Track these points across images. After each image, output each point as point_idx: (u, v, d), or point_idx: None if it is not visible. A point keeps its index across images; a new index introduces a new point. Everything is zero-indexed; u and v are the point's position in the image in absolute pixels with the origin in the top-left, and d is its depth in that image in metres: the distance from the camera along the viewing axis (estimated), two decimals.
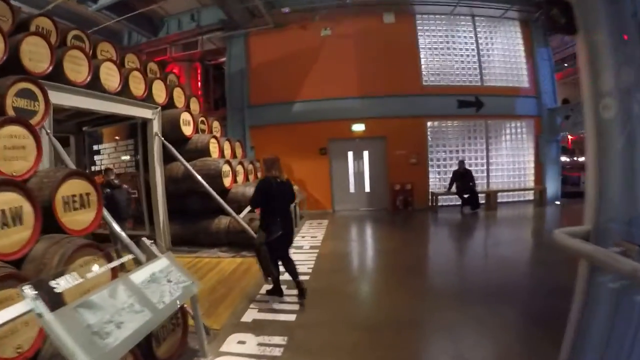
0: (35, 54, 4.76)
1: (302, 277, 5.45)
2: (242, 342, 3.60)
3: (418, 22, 12.53)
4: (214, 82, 15.84)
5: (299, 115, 12.41)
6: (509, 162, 12.90)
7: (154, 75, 7.80)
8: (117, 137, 7.88)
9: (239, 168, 8.49)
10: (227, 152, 8.84)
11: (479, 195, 11.50)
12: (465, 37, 12.76)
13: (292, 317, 4.14)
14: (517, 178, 12.96)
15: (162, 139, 7.17)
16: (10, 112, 3.91)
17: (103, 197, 5.51)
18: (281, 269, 4.89)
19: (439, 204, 12.03)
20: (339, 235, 8.83)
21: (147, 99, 6.94)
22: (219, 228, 7.33)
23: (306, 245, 7.61)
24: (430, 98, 12.14)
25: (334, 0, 11.92)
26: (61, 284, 2.39)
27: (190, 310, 3.39)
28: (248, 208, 7.04)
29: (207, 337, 3.64)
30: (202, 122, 8.80)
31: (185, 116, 7.80)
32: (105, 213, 4.08)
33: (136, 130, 7.50)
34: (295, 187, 10.78)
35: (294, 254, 6.84)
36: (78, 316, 2.30)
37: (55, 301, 2.38)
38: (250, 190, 7.29)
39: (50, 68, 4.89)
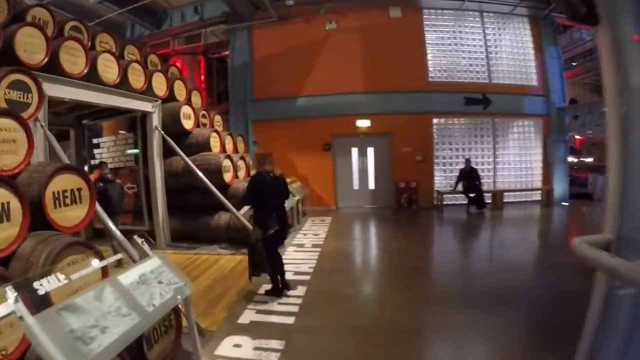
0: (31, 45, 4.65)
1: (302, 277, 5.41)
2: (237, 346, 3.47)
3: (425, 17, 12.29)
4: (217, 75, 15.70)
5: (302, 110, 12.24)
6: (516, 162, 12.68)
7: (155, 68, 7.67)
8: (121, 131, 7.75)
9: (241, 163, 8.35)
10: (229, 146, 8.70)
11: (485, 194, 11.29)
12: (473, 33, 12.51)
13: (290, 320, 4.00)
14: (524, 178, 12.73)
15: (162, 132, 7.04)
16: (2, 104, 3.80)
17: (96, 191, 5.44)
18: None
19: (444, 202, 11.86)
20: (341, 234, 8.68)
21: (147, 92, 6.83)
22: (219, 224, 7.20)
23: (308, 244, 7.47)
24: (436, 94, 11.93)
25: None
26: (44, 285, 2.28)
27: (184, 311, 3.26)
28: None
29: (202, 339, 3.52)
30: (204, 115, 8.66)
31: (185, 109, 7.66)
32: (99, 209, 3.96)
33: (136, 123, 7.37)
34: (298, 184, 10.78)
35: (295, 252, 6.84)
36: (61, 320, 2.18)
37: (40, 303, 2.27)
38: None
39: (46, 59, 4.78)
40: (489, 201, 11.44)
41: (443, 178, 12.37)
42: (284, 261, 6.10)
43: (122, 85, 6.19)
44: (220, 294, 4.80)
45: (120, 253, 3.29)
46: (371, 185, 12.63)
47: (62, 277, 2.35)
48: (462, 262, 6.74)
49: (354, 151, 12.55)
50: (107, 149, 7.88)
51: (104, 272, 3.09)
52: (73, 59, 5.21)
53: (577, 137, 16.66)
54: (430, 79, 12.12)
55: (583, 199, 13.41)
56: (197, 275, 5.49)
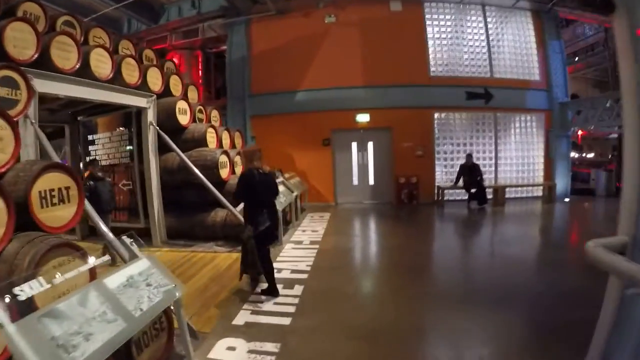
0: (21, 41, 4.52)
1: (300, 275, 5.32)
2: (231, 348, 3.36)
3: (426, 10, 12.09)
4: (215, 70, 15.55)
5: (301, 105, 12.09)
6: (517, 157, 12.54)
7: (150, 63, 7.52)
8: (121, 128, 7.60)
9: (238, 159, 8.22)
10: (226, 142, 8.56)
11: (487, 190, 11.15)
12: (475, 27, 12.33)
13: (286, 321, 3.89)
14: (526, 173, 12.59)
15: (157, 128, 6.92)
16: None
17: (86, 189, 5.34)
18: (275, 265, 4.67)
19: (445, 198, 11.75)
20: (340, 230, 8.57)
21: (142, 87, 6.70)
22: (215, 221, 7.09)
23: (306, 240, 7.36)
24: (437, 89, 11.77)
25: None
26: (26, 291, 2.18)
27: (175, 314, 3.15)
28: None
29: (196, 342, 3.42)
30: (200, 111, 8.53)
31: (181, 105, 7.52)
32: (89, 208, 3.84)
33: (131, 119, 7.25)
34: (297, 179, 10.67)
35: (292, 249, 6.73)
36: (42, 327, 2.08)
37: (24, 308, 2.17)
38: None
39: (37, 55, 4.65)
40: (490, 197, 11.31)
41: (444, 173, 12.24)
42: (282, 258, 6.10)
43: (116, 81, 6.06)
44: (215, 293, 4.70)
45: (109, 254, 3.19)
46: (371, 180, 12.50)
47: (44, 281, 2.26)
48: (464, 259, 6.62)
49: (354, 146, 12.41)
50: (102, 146, 7.75)
51: (93, 273, 2.99)
52: (64, 54, 5.08)
53: (579, 132, 16.49)
54: (432, 73, 11.94)
55: (585, 194, 13.29)
56: (193, 274, 5.39)
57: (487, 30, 12.30)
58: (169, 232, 7.24)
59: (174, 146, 6.90)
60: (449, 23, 12.23)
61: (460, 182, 11.10)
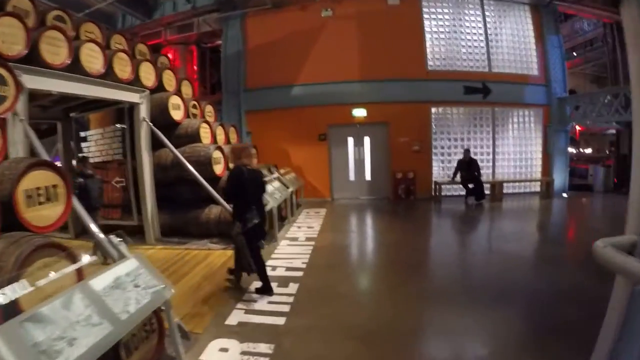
0: (9, 36, 4.40)
1: (295, 273, 5.24)
2: (224, 350, 3.29)
3: (424, 3, 11.95)
4: (210, 65, 15.39)
5: (297, 100, 11.96)
6: (515, 152, 12.46)
7: (143, 58, 7.39)
8: (118, 125, 7.46)
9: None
10: (220, 137, 8.44)
11: (484, 185, 11.09)
12: (473, 20, 12.20)
13: (281, 321, 3.82)
14: (524, 169, 12.54)
15: (150, 124, 6.80)
16: None
17: (76, 186, 5.24)
18: (270, 263, 4.60)
19: (442, 193, 11.68)
20: (337, 226, 8.50)
21: (135, 82, 6.58)
22: (209, 218, 6.99)
23: (302, 237, 7.29)
24: (435, 83, 11.67)
25: None
26: (8, 294, 2.09)
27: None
28: None
29: (187, 343, 3.35)
30: (194, 106, 8.41)
31: (174, 100, 7.39)
32: (78, 206, 3.73)
33: (124, 115, 7.12)
34: (293, 175, 10.57)
35: (288, 246, 6.66)
36: (23, 333, 2.00)
37: (9, 311, 2.09)
38: None
39: (26, 50, 4.53)
40: (487, 192, 11.25)
41: (441, 168, 12.17)
42: (277, 255, 6.02)
43: (108, 76, 5.93)
44: (208, 292, 4.63)
45: (97, 253, 3.10)
46: (367, 176, 12.41)
47: (27, 284, 2.18)
48: (461, 256, 6.57)
49: (350, 141, 12.31)
50: (95, 142, 7.62)
51: (81, 273, 2.90)
52: (54, 49, 4.95)
53: (577, 127, 16.45)
54: (429, 68, 11.83)
55: (583, 190, 13.27)
56: (186, 272, 5.31)
57: (485, 24, 12.18)
58: (163, 229, 7.15)
59: (167, 142, 6.79)
60: (446, 17, 12.10)
61: (458, 178, 11.02)
